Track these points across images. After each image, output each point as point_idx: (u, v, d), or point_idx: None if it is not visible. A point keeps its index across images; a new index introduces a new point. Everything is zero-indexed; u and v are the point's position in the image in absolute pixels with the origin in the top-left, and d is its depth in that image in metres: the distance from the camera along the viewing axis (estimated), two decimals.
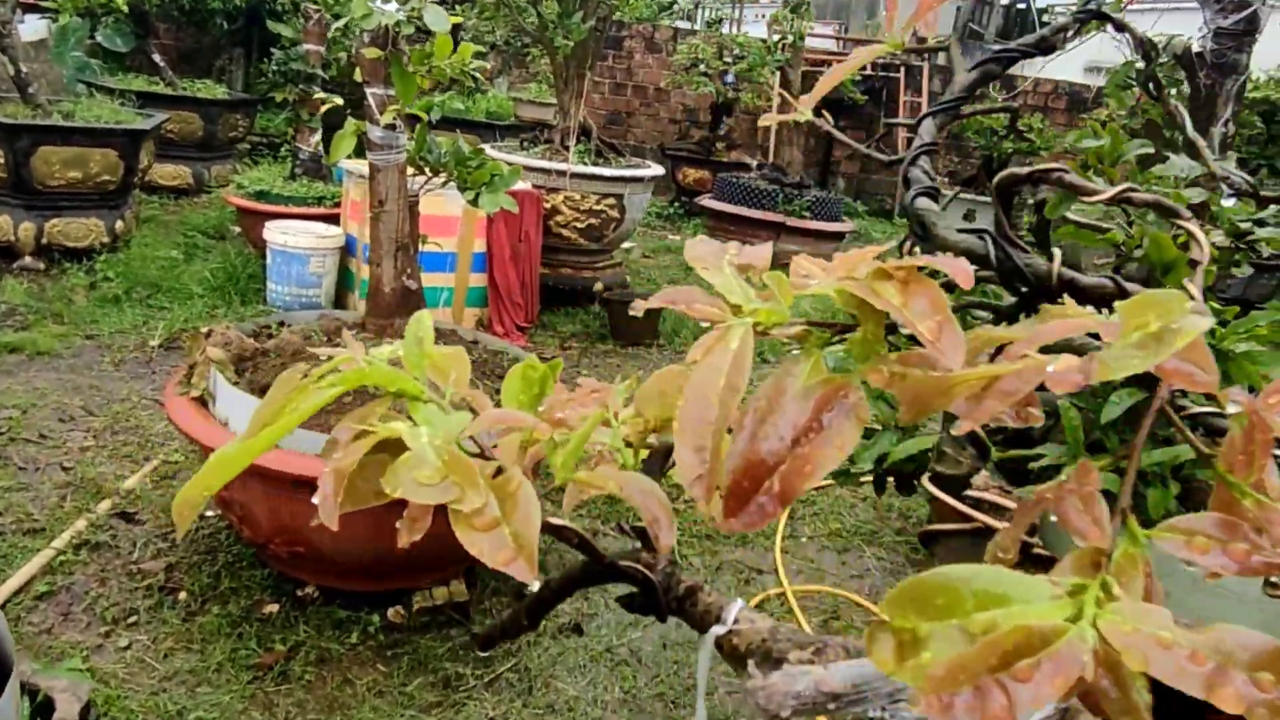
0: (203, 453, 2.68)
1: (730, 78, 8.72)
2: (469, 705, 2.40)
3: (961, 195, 7.30)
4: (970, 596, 0.34)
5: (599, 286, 5.61)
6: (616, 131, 10.34)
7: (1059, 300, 0.60)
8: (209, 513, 3.04)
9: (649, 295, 0.47)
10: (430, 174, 2.88)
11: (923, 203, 0.84)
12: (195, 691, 2.31)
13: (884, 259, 0.42)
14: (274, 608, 2.64)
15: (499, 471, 0.47)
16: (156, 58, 7.24)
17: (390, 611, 2.67)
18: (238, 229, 5.88)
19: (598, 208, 5.52)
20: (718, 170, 8.57)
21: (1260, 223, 1.88)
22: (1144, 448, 1.99)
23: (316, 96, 3.69)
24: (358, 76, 2.60)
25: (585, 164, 5.50)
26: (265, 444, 0.46)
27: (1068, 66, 10.32)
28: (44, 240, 5.03)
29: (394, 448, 0.47)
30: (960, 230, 0.78)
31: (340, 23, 3.41)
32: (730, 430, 0.38)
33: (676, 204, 9.31)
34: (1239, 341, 1.74)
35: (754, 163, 8.45)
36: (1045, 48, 0.94)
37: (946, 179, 8.02)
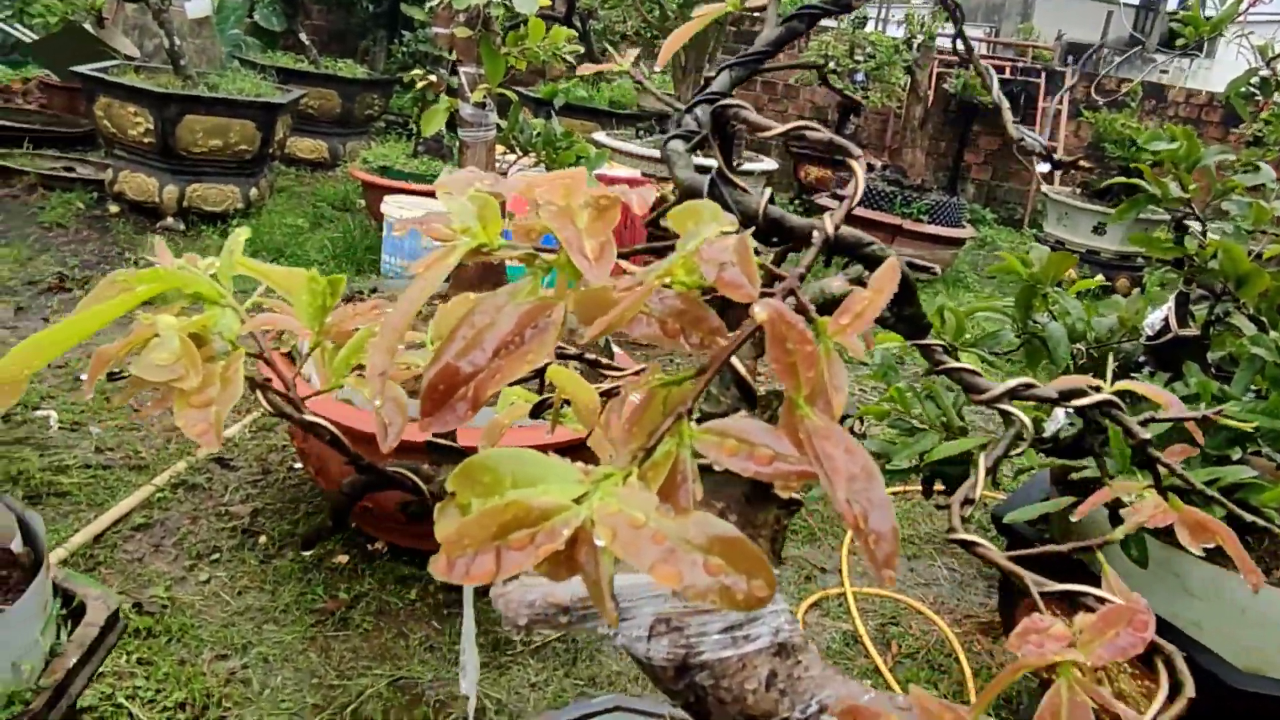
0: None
1: (860, 76, 8.58)
2: (514, 669, 2.48)
3: (1088, 208, 7.00)
4: (509, 477, 0.36)
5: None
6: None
7: (772, 239, 0.60)
8: (296, 464, 3.21)
9: None
10: (521, 153, 2.96)
11: (673, 144, 0.86)
12: (261, 628, 2.46)
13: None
14: (344, 559, 2.78)
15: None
16: (303, 37, 7.62)
17: None
18: (362, 202, 6.15)
19: None
20: (840, 169, 8.46)
21: None
22: (1191, 466, 1.89)
23: (424, 76, 3.83)
24: (453, 55, 2.70)
25: (695, 155, 5.53)
26: (79, 329, 0.52)
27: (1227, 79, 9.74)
28: (185, 203, 5.38)
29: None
30: (698, 170, 0.80)
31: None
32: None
33: (797, 201, 9.23)
34: None
35: (878, 163, 8.30)
36: (843, 4, 0.93)
37: (1080, 189, 7.68)
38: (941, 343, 0.67)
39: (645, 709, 1.35)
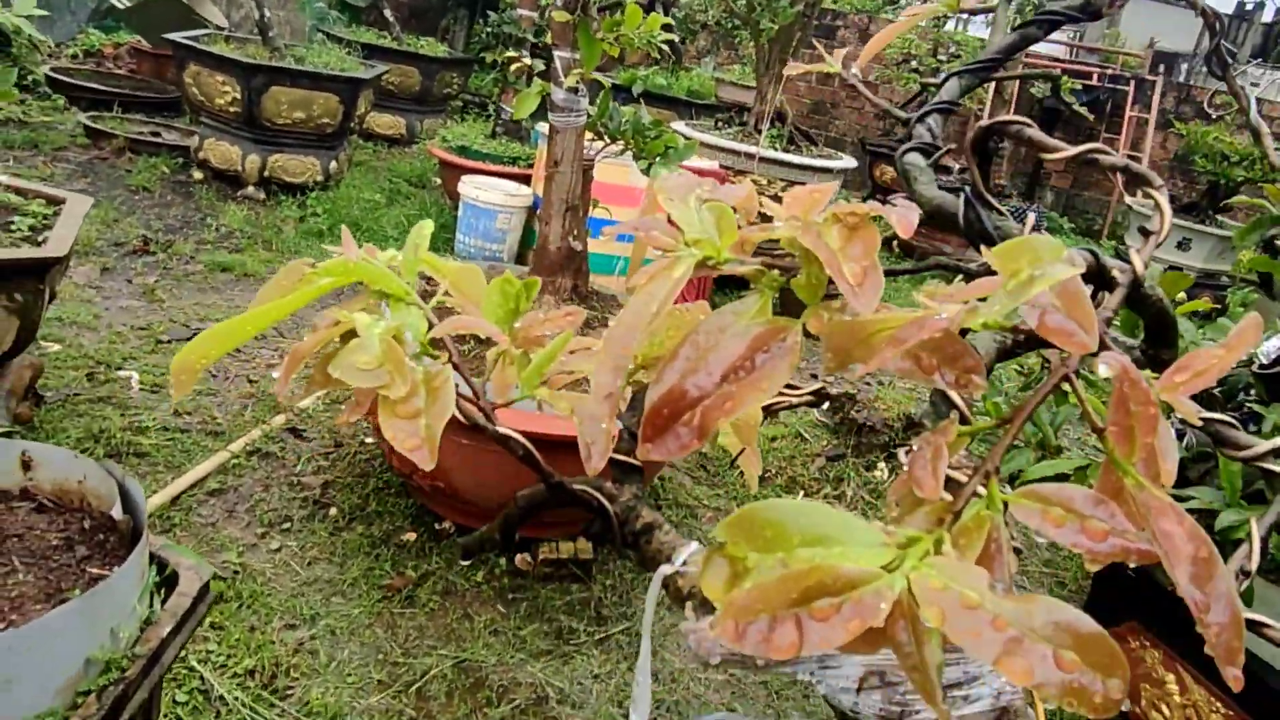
0: None
1: (942, 76, 8.41)
2: (577, 659, 2.47)
3: (1177, 223, 6.79)
4: (797, 532, 0.33)
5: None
6: (819, 121, 10.19)
7: None
8: (368, 439, 3.24)
9: None
10: (609, 140, 2.94)
11: (911, 157, 0.82)
12: (329, 600, 2.48)
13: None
14: (412, 536, 2.79)
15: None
16: (387, 13, 7.67)
17: (517, 558, 2.77)
18: (438, 180, 6.18)
19: (782, 194, 5.47)
20: None
21: None
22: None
23: (516, 58, 3.83)
24: (549, 39, 2.68)
25: (775, 149, 5.45)
26: (260, 321, 0.50)
27: None
28: (266, 173, 5.45)
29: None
30: (941, 188, 0.75)
31: None
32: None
33: (871, 201, 9.09)
34: None
35: (955, 166, 8.14)
36: (1092, 11, 0.88)
37: None
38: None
39: None
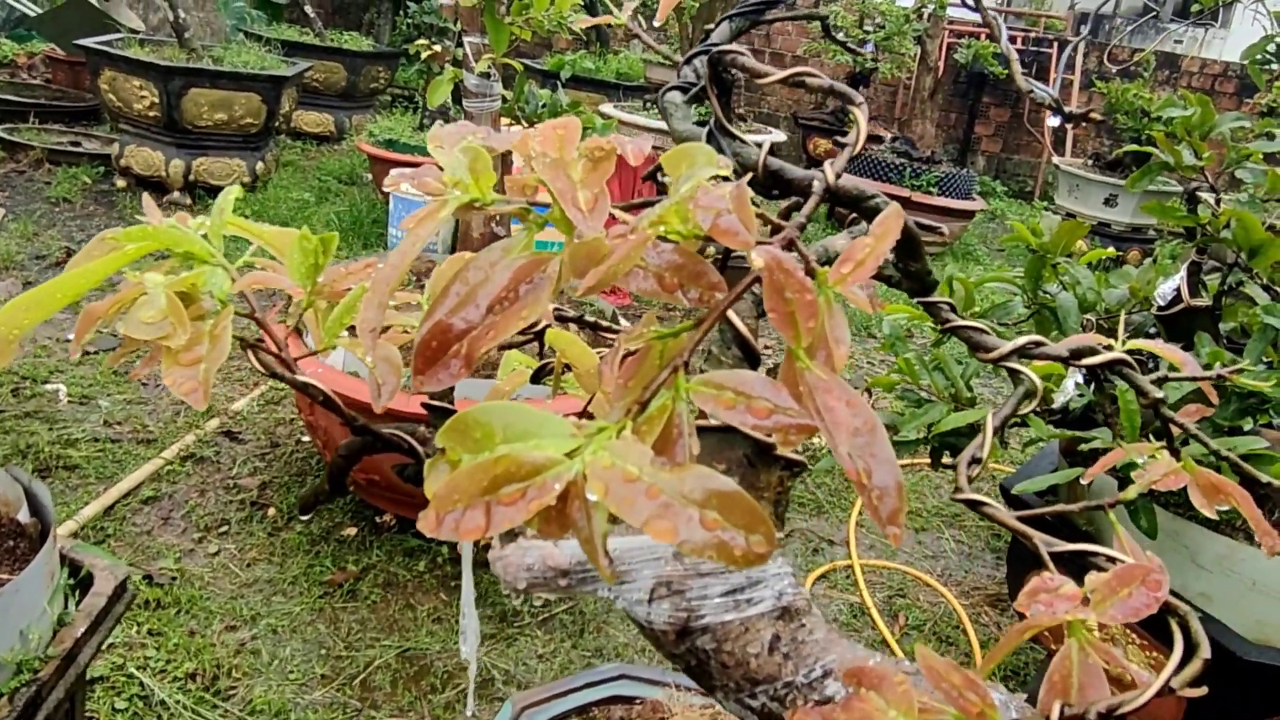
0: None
1: (870, 47, 8.49)
2: (520, 640, 2.49)
3: (1100, 180, 6.93)
4: (501, 431, 0.35)
5: (710, 250, 5.60)
6: (750, 98, 10.23)
7: (772, 192, 0.60)
8: (304, 438, 3.22)
9: None
10: (526, 124, 2.94)
11: (671, 95, 0.85)
12: (270, 600, 2.48)
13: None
14: (352, 531, 2.78)
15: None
16: (308, 9, 7.57)
17: (459, 546, 2.78)
18: (369, 175, 6.12)
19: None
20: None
21: None
22: (1211, 434, 1.87)
23: (428, 46, 3.80)
24: (457, 25, 2.67)
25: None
26: (68, 289, 0.51)
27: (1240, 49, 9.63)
28: (191, 177, 5.36)
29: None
30: (695, 124, 0.78)
31: None
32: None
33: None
34: None
35: (887, 135, 8.23)
36: None
37: (1091, 161, 7.61)
38: (949, 300, 0.66)
39: (650, 677, 1.36)
